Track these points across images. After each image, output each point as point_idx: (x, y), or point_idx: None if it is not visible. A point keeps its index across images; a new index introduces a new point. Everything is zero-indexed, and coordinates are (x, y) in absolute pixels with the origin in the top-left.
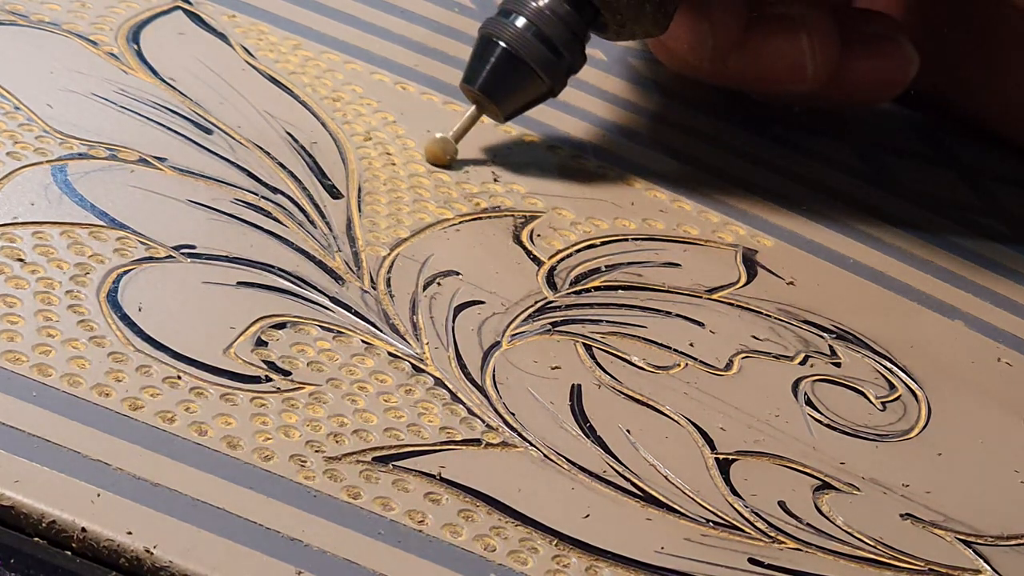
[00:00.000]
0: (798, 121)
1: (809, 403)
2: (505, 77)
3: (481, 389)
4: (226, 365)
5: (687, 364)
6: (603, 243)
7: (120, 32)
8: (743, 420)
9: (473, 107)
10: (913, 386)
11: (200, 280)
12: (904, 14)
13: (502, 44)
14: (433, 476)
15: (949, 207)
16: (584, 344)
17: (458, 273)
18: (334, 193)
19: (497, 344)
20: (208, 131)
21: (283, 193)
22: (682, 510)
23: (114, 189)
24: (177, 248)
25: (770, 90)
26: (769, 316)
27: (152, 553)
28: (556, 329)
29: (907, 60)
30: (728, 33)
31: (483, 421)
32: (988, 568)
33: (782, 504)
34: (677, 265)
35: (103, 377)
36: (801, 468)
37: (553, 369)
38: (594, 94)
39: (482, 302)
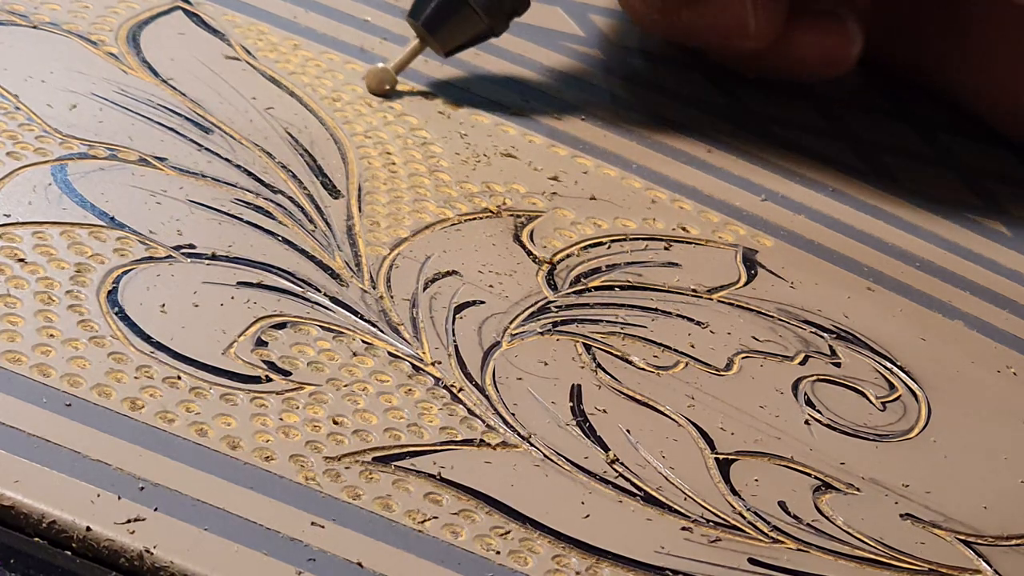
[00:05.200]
0: (797, 121)
1: (809, 403)
2: (447, 15)
3: (481, 389)
4: (226, 365)
5: (687, 364)
6: (603, 243)
7: (120, 32)
8: (743, 420)
9: (416, 41)
10: (913, 386)
11: (200, 280)
12: None
13: None
14: (433, 476)
15: (949, 207)
16: (584, 344)
17: (458, 273)
18: (334, 193)
19: (497, 344)
20: (208, 131)
21: (283, 193)
22: (682, 510)
23: (114, 189)
24: (177, 248)
25: (718, 44)
26: (769, 316)
27: (152, 553)
28: (556, 329)
29: (849, 39)
30: None
31: (483, 421)
32: (988, 568)
33: (782, 504)
34: (677, 265)
35: (103, 377)
36: (801, 468)
37: (553, 369)
38: (594, 94)
39: (482, 302)
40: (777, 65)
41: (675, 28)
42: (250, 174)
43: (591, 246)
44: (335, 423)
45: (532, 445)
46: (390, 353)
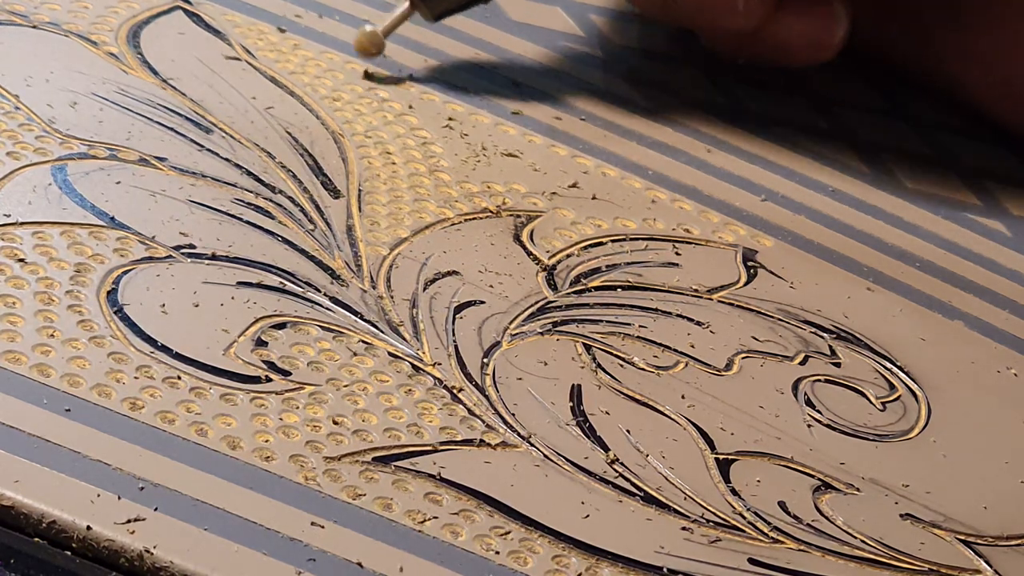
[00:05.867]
0: (797, 121)
1: (809, 403)
2: None
3: (481, 389)
4: (226, 365)
5: (687, 364)
6: (603, 243)
7: (120, 32)
8: (743, 420)
9: (406, 4)
10: (913, 386)
11: (200, 280)
12: None
13: None
14: (433, 476)
15: (949, 207)
16: (584, 344)
17: (458, 273)
18: (334, 193)
19: (497, 344)
20: (208, 131)
21: (283, 193)
22: (682, 510)
23: (114, 189)
24: (177, 248)
25: (708, 24)
26: (769, 316)
27: (152, 553)
28: (556, 329)
29: (834, 23)
30: None
31: (483, 421)
32: (988, 568)
33: (782, 504)
34: (677, 265)
35: (103, 377)
36: (801, 468)
37: (553, 369)
38: (594, 93)
39: (482, 302)
40: (765, 51)
41: (667, 8)
42: (250, 174)
43: (591, 246)
44: (335, 423)
45: (532, 445)
46: (390, 353)
